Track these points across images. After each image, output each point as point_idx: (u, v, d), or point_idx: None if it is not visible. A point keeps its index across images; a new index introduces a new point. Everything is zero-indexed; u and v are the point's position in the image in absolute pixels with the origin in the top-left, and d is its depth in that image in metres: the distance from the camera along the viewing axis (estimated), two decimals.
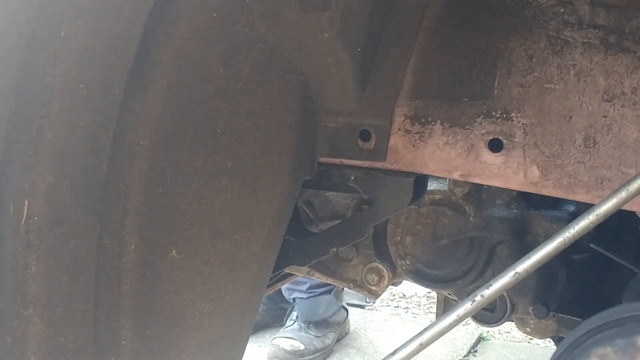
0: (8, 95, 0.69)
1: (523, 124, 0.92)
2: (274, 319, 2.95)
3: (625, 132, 0.88)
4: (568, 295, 1.21)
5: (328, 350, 2.80)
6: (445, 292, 1.33)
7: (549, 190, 0.93)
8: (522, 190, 0.95)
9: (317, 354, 2.73)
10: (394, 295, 3.38)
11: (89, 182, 0.73)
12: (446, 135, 0.96)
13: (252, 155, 0.87)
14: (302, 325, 2.76)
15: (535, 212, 1.21)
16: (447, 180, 1.20)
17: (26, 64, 0.69)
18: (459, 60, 0.94)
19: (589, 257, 1.22)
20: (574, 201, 0.95)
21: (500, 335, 2.94)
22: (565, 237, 0.81)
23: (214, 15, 0.77)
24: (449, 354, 2.73)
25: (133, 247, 0.77)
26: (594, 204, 0.81)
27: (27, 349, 0.72)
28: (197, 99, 0.79)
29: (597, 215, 0.79)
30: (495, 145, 0.94)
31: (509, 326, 2.73)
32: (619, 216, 0.85)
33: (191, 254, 0.83)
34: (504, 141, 0.93)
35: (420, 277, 1.27)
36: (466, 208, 1.20)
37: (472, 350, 2.81)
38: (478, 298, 0.84)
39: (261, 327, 2.90)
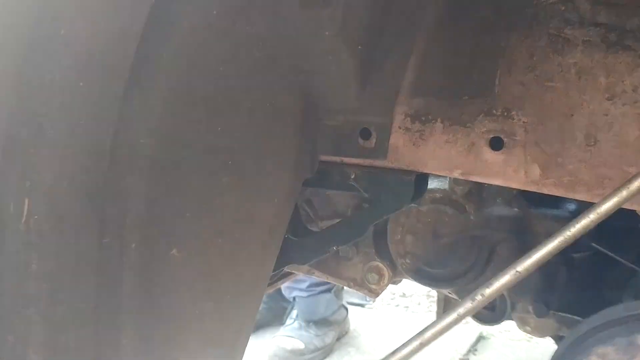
0: (8, 94, 0.69)
1: (524, 122, 0.92)
2: (274, 318, 2.95)
3: (626, 130, 0.88)
4: (568, 294, 1.21)
5: (328, 349, 2.79)
6: (445, 291, 1.33)
7: (549, 188, 0.93)
8: (523, 188, 0.95)
9: (317, 353, 2.72)
10: (394, 294, 3.38)
11: (89, 180, 0.72)
12: (447, 134, 0.96)
13: (252, 154, 0.87)
14: (302, 324, 2.76)
15: (535, 210, 1.21)
16: (448, 179, 1.20)
17: (26, 62, 0.69)
18: (459, 59, 0.94)
19: (590, 256, 1.22)
20: (575, 200, 0.94)
21: (500, 334, 2.93)
22: (565, 236, 0.81)
23: (214, 13, 0.77)
24: (449, 353, 2.73)
25: (134, 245, 0.77)
26: (594, 203, 0.81)
27: (29, 348, 0.72)
28: (198, 97, 0.79)
29: (597, 213, 0.79)
30: (496, 144, 0.94)
31: (509, 325, 2.73)
32: (620, 215, 0.85)
33: (192, 252, 0.83)
34: (505, 139, 0.93)
35: (421, 276, 1.27)
36: (467, 207, 1.20)
37: (472, 349, 2.81)
38: (478, 297, 0.84)
39: (261, 325, 2.90)
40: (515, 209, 1.20)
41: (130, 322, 0.78)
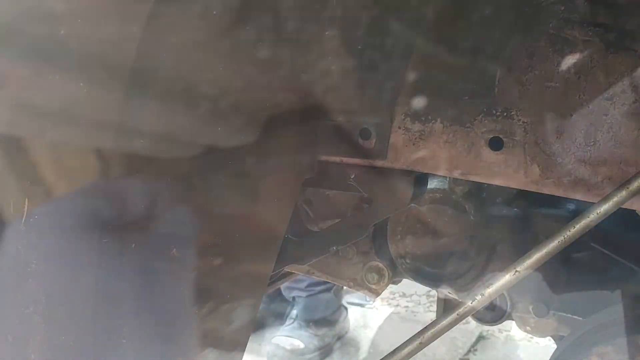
0: (8, 94, 0.69)
1: (523, 122, 0.92)
2: (274, 318, 2.95)
3: (625, 130, 0.88)
4: (568, 294, 1.21)
5: (328, 349, 2.79)
6: (445, 291, 1.33)
7: (549, 188, 0.93)
8: (523, 188, 0.95)
9: (316, 353, 2.72)
10: (394, 294, 3.38)
11: (89, 180, 0.72)
12: (446, 134, 0.96)
13: (252, 154, 0.87)
14: (302, 323, 2.76)
15: (535, 210, 1.21)
16: (448, 179, 1.20)
17: (26, 62, 0.69)
18: (459, 59, 0.94)
19: (590, 256, 1.22)
20: (575, 200, 0.94)
21: (500, 333, 2.93)
22: (565, 236, 0.81)
23: (214, 13, 0.77)
24: (449, 353, 2.73)
25: (133, 245, 0.77)
26: (594, 203, 0.81)
27: (28, 348, 0.72)
28: (198, 98, 0.79)
29: (597, 213, 0.80)
30: (495, 144, 0.94)
31: (509, 325, 2.73)
32: (620, 215, 0.85)
33: (191, 252, 0.83)
34: (505, 139, 0.93)
35: (421, 276, 1.27)
36: (466, 207, 1.20)
37: (472, 349, 2.81)
38: (478, 297, 0.84)
39: (261, 325, 2.90)
40: (515, 209, 1.20)
41: (130, 322, 0.78)
